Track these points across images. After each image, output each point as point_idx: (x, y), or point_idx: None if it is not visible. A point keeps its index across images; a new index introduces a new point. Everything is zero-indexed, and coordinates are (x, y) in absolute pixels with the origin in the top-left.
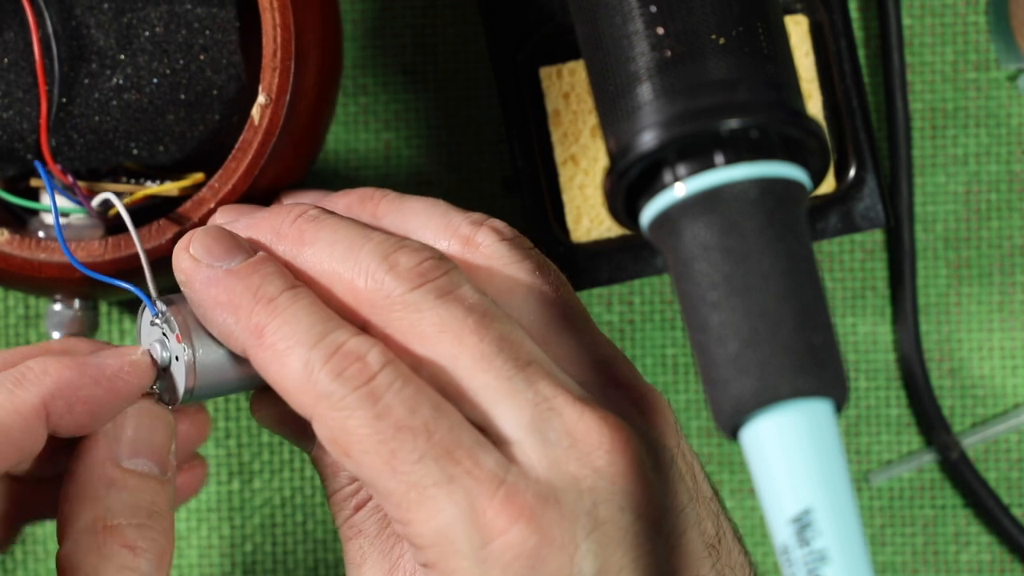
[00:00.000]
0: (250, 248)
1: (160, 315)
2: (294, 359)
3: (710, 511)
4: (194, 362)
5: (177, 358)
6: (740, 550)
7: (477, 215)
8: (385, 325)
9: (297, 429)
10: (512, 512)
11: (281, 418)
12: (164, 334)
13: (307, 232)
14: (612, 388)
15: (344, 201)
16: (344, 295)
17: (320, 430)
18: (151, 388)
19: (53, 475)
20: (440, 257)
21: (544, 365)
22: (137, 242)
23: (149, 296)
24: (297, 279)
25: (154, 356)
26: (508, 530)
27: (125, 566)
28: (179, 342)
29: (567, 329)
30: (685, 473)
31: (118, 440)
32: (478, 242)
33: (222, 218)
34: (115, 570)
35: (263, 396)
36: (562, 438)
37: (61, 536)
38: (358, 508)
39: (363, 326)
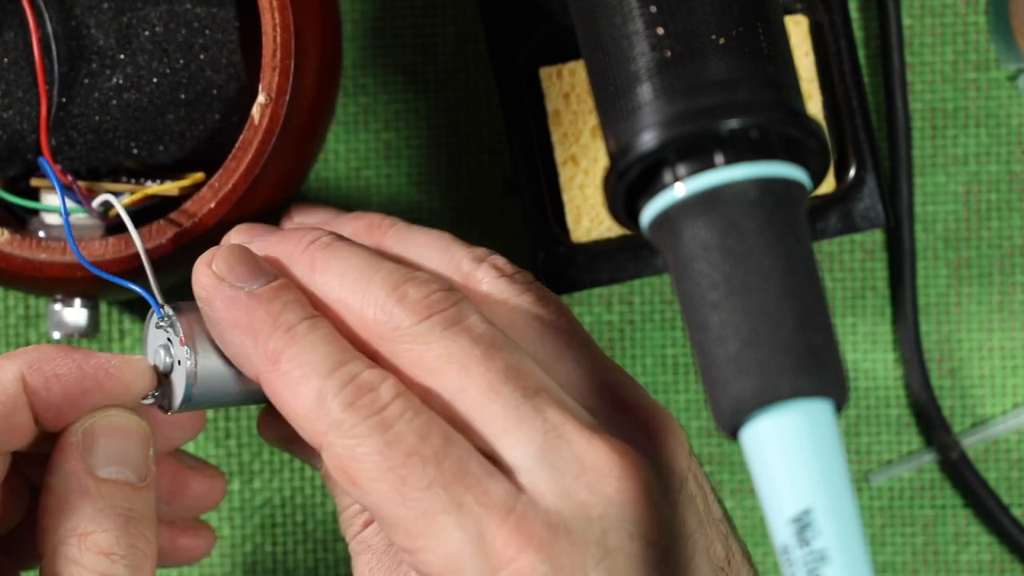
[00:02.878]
0: (271, 271)
1: (166, 318)
2: (308, 388)
3: (720, 533)
4: (196, 368)
5: (179, 362)
6: (749, 570)
7: (480, 251)
8: (393, 356)
9: (306, 448)
10: (521, 540)
11: (289, 437)
12: (168, 339)
13: (319, 259)
14: (619, 413)
15: (352, 227)
16: (354, 325)
17: (329, 459)
18: (150, 395)
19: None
20: (449, 288)
21: (553, 392)
22: (138, 243)
23: (156, 299)
24: (314, 307)
25: (157, 362)
26: (517, 558)
27: (103, 572)
28: (182, 345)
29: (571, 356)
30: (696, 495)
31: (90, 450)
32: (479, 279)
33: (237, 237)
34: None
35: (271, 416)
36: (571, 466)
37: (41, 549)
38: (366, 525)
39: (373, 356)
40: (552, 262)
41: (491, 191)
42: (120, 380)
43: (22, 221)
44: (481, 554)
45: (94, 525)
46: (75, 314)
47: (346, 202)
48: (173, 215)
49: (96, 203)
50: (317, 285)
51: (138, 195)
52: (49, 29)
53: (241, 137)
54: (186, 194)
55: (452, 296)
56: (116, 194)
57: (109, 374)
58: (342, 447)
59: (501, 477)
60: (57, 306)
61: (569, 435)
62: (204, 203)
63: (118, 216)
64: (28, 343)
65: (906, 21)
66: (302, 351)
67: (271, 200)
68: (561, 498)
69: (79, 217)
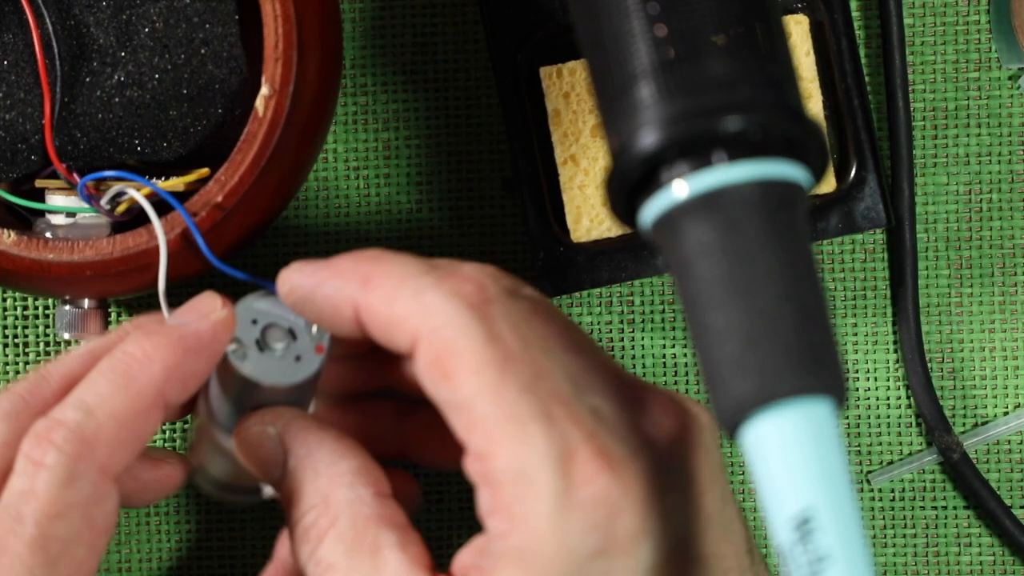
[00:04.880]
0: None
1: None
2: (405, 290)
3: (743, 523)
4: (328, 347)
5: (298, 358)
6: (765, 568)
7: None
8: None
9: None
10: (602, 462)
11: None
12: (291, 329)
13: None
14: (649, 393)
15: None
16: None
17: (424, 352)
18: (242, 374)
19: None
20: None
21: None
22: (160, 233)
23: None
24: None
25: (275, 342)
26: (596, 478)
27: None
28: (318, 352)
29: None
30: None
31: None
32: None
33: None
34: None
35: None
36: (635, 406)
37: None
38: (321, 538)
39: None
40: (552, 262)
41: (491, 191)
42: (223, 341)
43: (27, 223)
44: (561, 469)
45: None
46: (84, 314)
47: (345, 202)
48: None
49: (105, 200)
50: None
51: (144, 192)
52: (49, 29)
53: (246, 130)
54: (192, 189)
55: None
56: (122, 192)
57: (218, 341)
58: (441, 337)
59: (583, 400)
60: (67, 307)
61: (630, 381)
62: (211, 197)
63: (124, 213)
64: (27, 343)
65: (907, 20)
66: (391, 266)
67: (278, 192)
68: (630, 430)
69: (85, 216)
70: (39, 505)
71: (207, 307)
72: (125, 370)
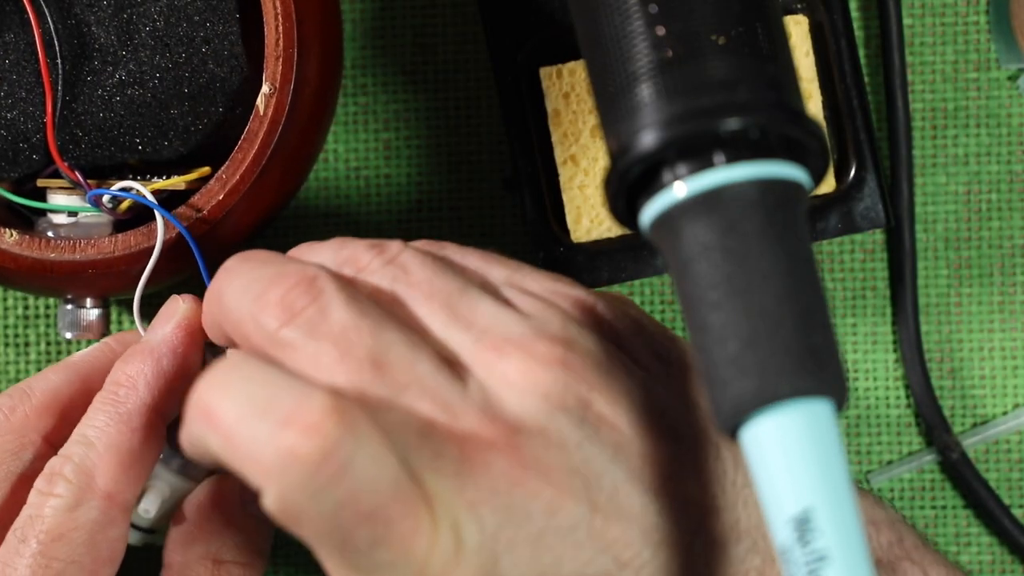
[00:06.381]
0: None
1: None
2: (240, 439)
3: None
4: None
5: None
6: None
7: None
8: (282, 363)
9: None
10: None
11: None
12: None
13: (222, 276)
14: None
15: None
16: (251, 337)
17: (269, 503)
18: None
19: None
20: (310, 278)
21: (424, 380)
22: (160, 229)
23: None
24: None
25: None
26: None
27: None
28: None
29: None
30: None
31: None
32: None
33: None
34: None
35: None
36: (450, 450)
37: (173, 551)
38: None
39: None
40: (552, 262)
41: (491, 191)
42: (198, 337)
43: (28, 222)
44: None
45: (229, 555)
46: (86, 314)
47: (346, 202)
48: (182, 209)
49: (107, 198)
50: (225, 308)
51: (150, 188)
52: (51, 28)
53: (247, 128)
54: (193, 187)
55: (310, 291)
56: (125, 190)
57: (193, 340)
58: (282, 504)
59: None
60: (68, 306)
61: (446, 423)
62: (212, 196)
63: (126, 212)
64: (27, 343)
65: (906, 21)
66: (230, 394)
67: (279, 191)
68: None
69: (87, 215)
70: (43, 526)
71: (172, 310)
72: (114, 399)
